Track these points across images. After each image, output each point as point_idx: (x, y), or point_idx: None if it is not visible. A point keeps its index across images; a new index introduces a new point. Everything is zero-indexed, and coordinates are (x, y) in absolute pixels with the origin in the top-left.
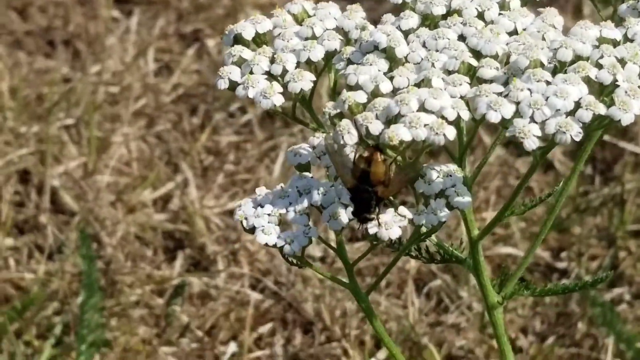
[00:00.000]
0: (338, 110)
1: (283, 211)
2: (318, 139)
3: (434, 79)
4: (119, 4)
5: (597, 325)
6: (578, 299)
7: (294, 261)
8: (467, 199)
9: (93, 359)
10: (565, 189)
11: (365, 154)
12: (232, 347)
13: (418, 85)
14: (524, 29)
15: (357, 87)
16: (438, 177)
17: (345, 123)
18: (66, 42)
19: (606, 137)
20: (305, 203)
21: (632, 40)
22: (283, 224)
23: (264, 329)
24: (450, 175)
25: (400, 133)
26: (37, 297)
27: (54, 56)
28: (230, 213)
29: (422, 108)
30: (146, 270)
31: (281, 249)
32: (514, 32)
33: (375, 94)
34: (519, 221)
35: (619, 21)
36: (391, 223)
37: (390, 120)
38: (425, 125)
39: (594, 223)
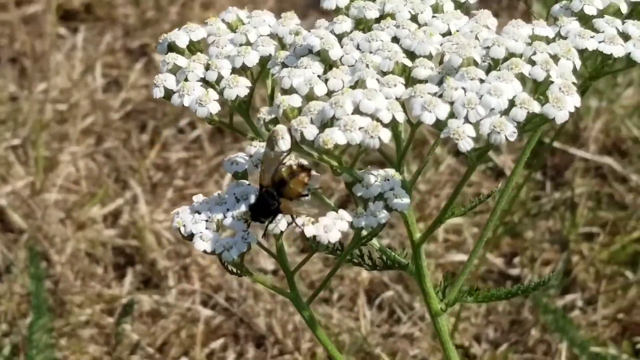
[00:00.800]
0: (273, 116)
1: (220, 217)
2: (255, 147)
3: (368, 79)
4: (64, 21)
5: (550, 331)
6: (530, 306)
7: (235, 270)
8: (406, 200)
9: None
10: (506, 190)
11: (294, 168)
12: None
13: (353, 87)
14: (457, 30)
15: (291, 91)
16: (376, 181)
17: (280, 129)
18: (12, 60)
19: (556, 144)
20: (243, 208)
21: (565, 38)
22: (222, 231)
23: (216, 344)
24: (388, 179)
25: (334, 137)
26: None
27: (0, 74)
28: None
29: (357, 110)
30: (96, 289)
31: (219, 255)
32: (447, 34)
33: (310, 97)
34: (471, 227)
35: (552, 22)
36: (331, 226)
37: (326, 124)
38: (360, 128)
39: (546, 226)
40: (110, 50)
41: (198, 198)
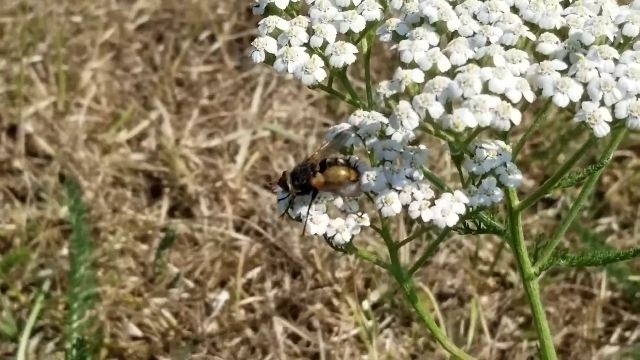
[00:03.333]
0: (394, 91)
1: (330, 198)
2: (359, 117)
3: (496, 56)
4: None
5: None
6: (567, 232)
7: (341, 247)
8: (518, 177)
9: (85, 314)
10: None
11: (341, 162)
12: (224, 295)
13: (478, 62)
14: (580, 1)
15: (412, 65)
16: (487, 156)
17: (404, 107)
18: None
19: None
20: (353, 188)
21: None
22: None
23: (253, 273)
24: (500, 154)
25: (465, 119)
26: (22, 253)
27: None
28: (209, 151)
29: (486, 89)
30: (128, 214)
31: (331, 237)
32: (565, 3)
33: (432, 72)
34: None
35: None
36: (448, 209)
37: (450, 102)
38: (490, 109)
39: (576, 148)
40: None
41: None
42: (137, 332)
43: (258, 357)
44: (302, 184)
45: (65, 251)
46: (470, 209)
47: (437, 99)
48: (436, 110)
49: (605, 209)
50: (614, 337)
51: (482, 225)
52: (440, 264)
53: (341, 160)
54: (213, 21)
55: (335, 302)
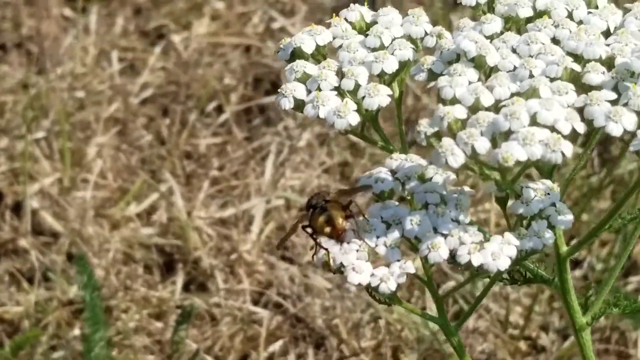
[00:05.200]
0: (435, 129)
1: (372, 244)
2: (396, 160)
3: (542, 87)
4: (69, 2)
5: (624, 318)
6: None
7: (384, 299)
8: (569, 217)
9: None
10: None
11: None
12: None
13: (522, 95)
14: (621, 28)
15: (453, 101)
16: (536, 196)
17: (448, 143)
18: (18, 45)
19: None
20: (397, 234)
21: None
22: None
23: (275, 347)
24: (548, 193)
25: (514, 152)
26: (33, 335)
27: (7, 61)
28: (222, 222)
29: (533, 122)
30: (141, 292)
31: (375, 288)
32: (606, 32)
33: (475, 107)
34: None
35: None
36: (499, 253)
37: (496, 137)
38: (539, 141)
39: (598, 207)
40: (124, 32)
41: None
42: None
43: None
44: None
45: (77, 332)
46: (521, 253)
47: (482, 134)
48: (482, 145)
49: (633, 268)
50: None
51: (528, 275)
52: (470, 329)
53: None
54: (220, 91)
55: None
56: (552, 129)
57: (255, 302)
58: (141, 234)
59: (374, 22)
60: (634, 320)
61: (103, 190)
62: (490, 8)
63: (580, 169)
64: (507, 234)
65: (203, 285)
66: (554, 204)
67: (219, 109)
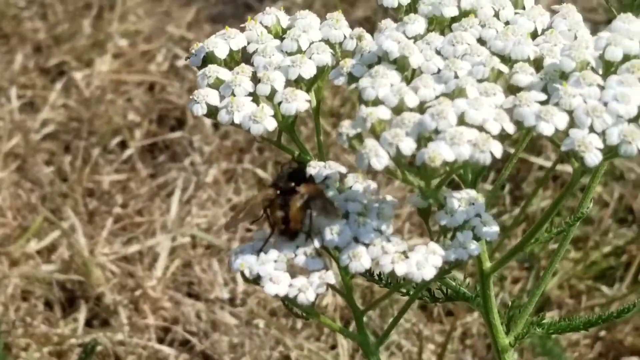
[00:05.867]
0: (357, 130)
1: (291, 255)
2: (315, 168)
3: (469, 87)
4: None
5: (537, 353)
6: None
7: (301, 313)
8: (495, 229)
9: None
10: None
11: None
12: None
13: (449, 96)
14: (547, 29)
15: (376, 102)
16: (460, 206)
17: (372, 144)
18: None
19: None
20: (317, 244)
21: None
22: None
23: None
24: (473, 204)
25: (442, 152)
26: None
27: None
28: (126, 259)
29: (462, 122)
30: (42, 329)
31: (294, 298)
32: (534, 33)
33: (399, 109)
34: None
35: None
36: (423, 262)
37: (422, 137)
38: (468, 141)
39: (510, 244)
40: (23, 69)
41: (258, 234)
42: None
43: None
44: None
45: None
46: (445, 265)
47: (407, 134)
48: (408, 145)
49: (547, 304)
50: None
51: (449, 292)
52: None
53: None
54: (124, 127)
55: None
56: (481, 128)
57: (161, 340)
58: (41, 270)
59: (291, 27)
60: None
61: (1, 227)
62: (413, 9)
63: (490, 207)
64: (432, 244)
65: (106, 321)
66: (478, 215)
67: (123, 145)
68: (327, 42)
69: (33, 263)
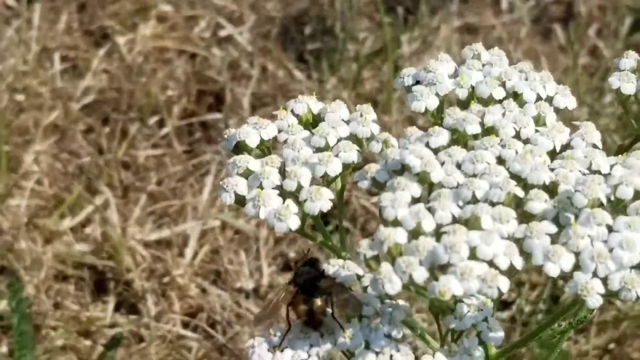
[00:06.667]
0: (375, 252)
1: (305, 356)
2: (334, 267)
3: (484, 217)
4: None
5: None
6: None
7: None
8: (500, 334)
9: None
10: None
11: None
12: None
13: (463, 223)
14: (567, 148)
15: (395, 223)
16: (469, 311)
17: (386, 270)
18: None
19: None
20: (329, 345)
21: None
22: None
23: None
24: (482, 309)
25: (452, 287)
26: None
27: None
28: (157, 242)
29: (473, 255)
30: (72, 311)
31: None
32: (552, 152)
33: (416, 232)
34: None
35: None
36: None
37: (434, 267)
38: (477, 276)
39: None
40: (67, 29)
41: (276, 330)
42: None
43: None
44: None
45: (4, 349)
46: None
47: (421, 263)
48: (420, 275)
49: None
50: None
51: None
52: None
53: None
54: (162, 104)
55: None
56: (491, 263)
57: (186, 326)
58: (74, 250)
59: (321, 116)
60: None
61: (38, 198)
62: (440, 115)
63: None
64: (438, 354)
65: (134, 306)
66: (485, 319)
67: (161, 122)
68: (354, 138)
69: (67, 239)
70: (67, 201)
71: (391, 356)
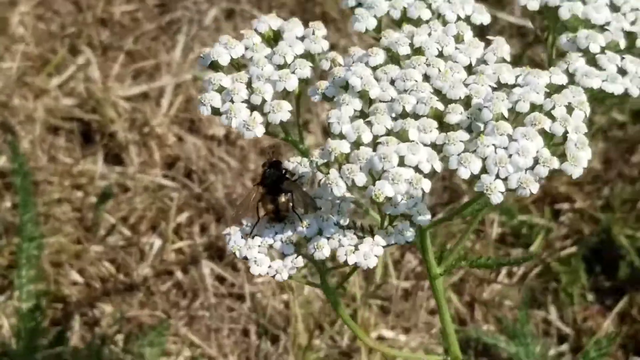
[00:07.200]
0: (324, 160)
1: (271, 241)
2: (293, 163)
3: (411, 130)
4: None
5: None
6: None
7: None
8: (427, 216)
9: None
10: None
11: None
12: (158, 241)
13: (395, 135)
14: (482, 69)
15: (340, 136)
16: (402, 199)
17: (334, 176)
18: None
19: None
20: (290, 233)
21: (573, 75)
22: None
23: (182, 218)
24: (412, 196)
25: (385, 190)
26: None
27: None
28: (136, 97)
29: (401, 162)
30: (65, 165)
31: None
32: (469, 66)
33: (357, 142)
34: None
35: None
36: (369, 253)
37: (372, 172)
38: (405, 180)
39: None
40: None
41: (246, 221)
42: (79, 278)
43: (189, 298)
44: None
45: (8, 203)
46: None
47: (361, 169)
48: (360, 179)
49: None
50: (503, 273)
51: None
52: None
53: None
54: None
55: None
56: (416, 168)
57: (165, 176)
58: (62, 104)
59: (281, 33)
60: None
61: (26, 59)
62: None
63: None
64: (377, 237)
65: (118, 156)
66: (415, 205)
67: None
68: (308, 53)
69: (54, 94)
70: (53, 61)
71: (339, 240)
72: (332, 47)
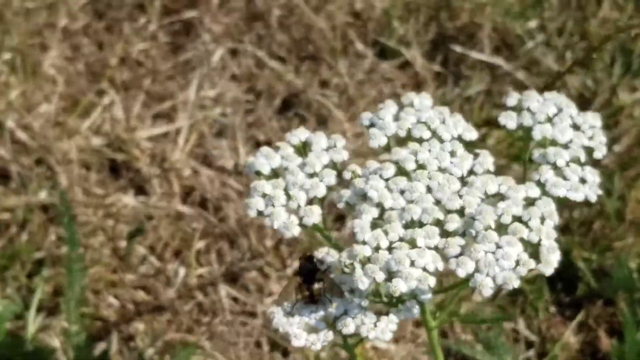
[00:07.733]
0: (351, 261)
1: (307, 320)
2: (321, 253)
3: (418, 238)
4: None
5: None
6: None
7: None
8: (429, 296)
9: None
10: None
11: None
12: (182, 270)
13: (406, 241)
14: (472, 181)
15: (363, 242)
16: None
17: (359, 274)
18: None
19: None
20: (322, 313)
21: (544, 185)
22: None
23: (200, 245)
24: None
25: (400, 286)
26: (24, 248)
27: None
28: (158, 136)
29: (412, 264)
30: (99, 197)
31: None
32: (462, 177)
33: (377, 247)
34: None
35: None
36: (386, 329)
37: (389, 272)
38: (415, 278)
39: None
40: None
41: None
42: (115, 302)
43: (209, 317)
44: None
45: (53, 237)
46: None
47: (380, 270)
48: (380, 277)
49: None
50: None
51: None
52: None
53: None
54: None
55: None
56: (424, 269)
57: (184, 202)
58: (93, 143)
59: (308, 144)
60: None
61: (57, 98)
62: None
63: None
64: (391, 315)
65: (141, 188)
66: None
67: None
68: (331, 162)
69: (85, 135)
70: (82, 102)
71: (362, 319)
72: (324, 84)
